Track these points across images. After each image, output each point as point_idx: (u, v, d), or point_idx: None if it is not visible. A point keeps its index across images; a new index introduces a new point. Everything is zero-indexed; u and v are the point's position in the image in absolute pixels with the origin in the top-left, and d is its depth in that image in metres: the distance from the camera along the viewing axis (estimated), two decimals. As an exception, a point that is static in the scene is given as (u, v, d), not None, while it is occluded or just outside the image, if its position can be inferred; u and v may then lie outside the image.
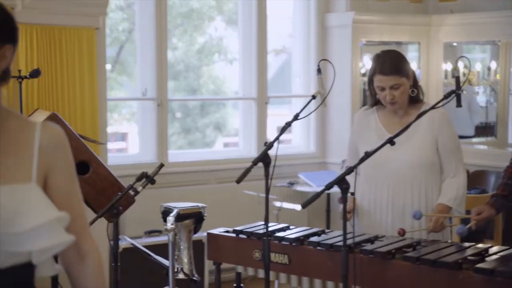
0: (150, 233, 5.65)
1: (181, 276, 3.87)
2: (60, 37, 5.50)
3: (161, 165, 3.74)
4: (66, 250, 1.89)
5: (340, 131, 6.86)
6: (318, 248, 3.32)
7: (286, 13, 7.42)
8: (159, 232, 5.59)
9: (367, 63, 6.83)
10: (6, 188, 1.76)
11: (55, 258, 1.91)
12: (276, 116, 7.33)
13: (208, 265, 5.39)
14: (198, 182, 6.39)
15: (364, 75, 6.83)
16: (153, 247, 4.59)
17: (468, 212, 3.65)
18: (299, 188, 6.53)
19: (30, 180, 1.82)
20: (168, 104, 6.36)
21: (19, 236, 1.74)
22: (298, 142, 7.23)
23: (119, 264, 3.52)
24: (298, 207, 5.05)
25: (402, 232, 3.45)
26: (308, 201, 2.83)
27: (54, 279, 4.33)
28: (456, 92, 3.10)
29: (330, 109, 6.96)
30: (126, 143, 8.06)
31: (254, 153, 6.69)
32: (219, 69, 7.81)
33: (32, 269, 1.84)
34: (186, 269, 3.87)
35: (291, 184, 6.57)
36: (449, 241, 3.60)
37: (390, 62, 3.65)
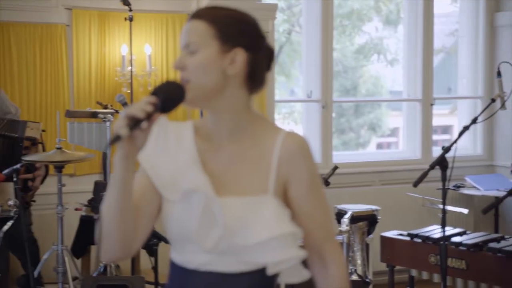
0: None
1: (354, 277, 3.91)
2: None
3: (335, 168, 3.80)
4: (311, 257, 1.87)
5: (510, 133, 6.65)
6: (499, 254, 3.26)
7: (444, 11, 7.27)
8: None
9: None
10: (239, 200, 1.77)
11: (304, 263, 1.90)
12: (435, 116, 7.19)
13: (372, 266, 5.40)
14: (362, 184, 6.39)
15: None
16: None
17: None
18: (466, 191, 6.38)
19: (266, 192, 1.78)
20: (332, 106, 6.40)
21: (250, 248, 1.75)
22: (464, 144, 7.06)
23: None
24: (465, 210, 4.96)
25: None
26: (489, 206, 2.79)
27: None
28: None
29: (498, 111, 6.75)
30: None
31: (418, 155, 6.62)
32: (376, 69, 7.78)
33: (271, 276, 1.83)
34: (359, 270, 3.91)
35: (457, 187, 6.43)
36: None
37: None
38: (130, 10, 5.08)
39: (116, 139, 1.63)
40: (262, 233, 1.74)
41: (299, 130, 7.01)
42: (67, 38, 5.28)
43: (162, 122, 1.79)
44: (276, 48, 7.45)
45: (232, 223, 1.74)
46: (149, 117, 1.66)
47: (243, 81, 1.81)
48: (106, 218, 1.76)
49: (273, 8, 5.91)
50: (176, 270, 1.85)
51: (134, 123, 1.64)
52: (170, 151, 1.82)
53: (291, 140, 1.81)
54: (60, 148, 4.23)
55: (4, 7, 5.09)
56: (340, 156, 6.53)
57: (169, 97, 1.71)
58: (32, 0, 5.19)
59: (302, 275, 1.87)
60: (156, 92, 1.71)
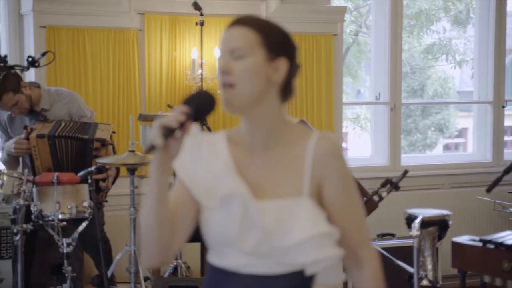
0: (383, 236, 5.69)
1: (425, 282, 3.89)
2: (300, 44, 5.69)
3: (406, 172, 3.78)
4: (346, 258, 1.92)
5: None
6: None
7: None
8: (391, 236, 5.61)
9: None
10: (276, 202, 1.82)
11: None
12: (505, 117, 7.06)
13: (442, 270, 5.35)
14: (431, 187, 6.34)
15: None
16: (387, 251, 4.63)
17: None
18: (538, 195, 6.26)
19: (301, 194, 1.84)
20: (401, 108, 6.36)
21: (288, 249, 1.80)
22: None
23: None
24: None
25: None
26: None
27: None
28: None
29: None
30: (346, 144, 8.17)
31: (488, 157, 6.52)
32: (444, 70, 7.69)
33: (309, 277, 1.88)
34: (430, 276, 3.89)
35: (530, 191, 6.31)
36: None
37: None
38: (201, 14, 5.15)
39: (151, 148, 1.71)
40: (299, 234, 1.79)
41: (365, 133, 6.98)
42: (139, 42, 5.39)
43: (195, 133, 1.86)
44: (343, 50, 7.45)
45: (270, 226, 1.80)
46: (182, 126, 1.74)
47: (279, 90, 1.88)
48: (144, 225, 1.83)
49: (342, 10, 5.91)
50: (215, 273, 1.91)
51: (168, 132, 1.72)
52: (205, 161, 1.88)
53: (323, 142, 1.87)
54: (132, 151, 4.32)
55: (79, 12, 5.23)
56: (408, 159, 6.49)
57: (200, 106, 1.79)
58: (106, 5, 5.32)
59: (339, 277, 1.93)
60: (188, 101, 1.79)
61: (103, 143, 4.46)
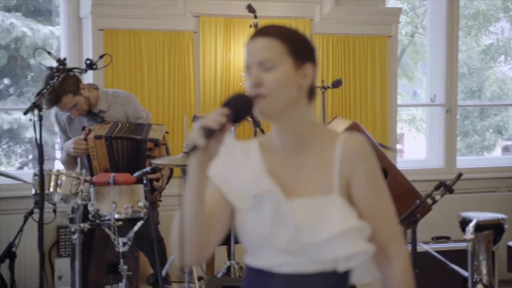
0: (438, 239, 5.64)
1: (479, 287, 3.85)
2: (354, 46, 5.71)
3: (460, 175, 3.76)
4: (376, 256, 1.94)
5: None
6: None
7: None
8: (447, 239, 5.56)
9: None
10: (307, 201, 1.87)
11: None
12: None
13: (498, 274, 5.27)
14: (487, 190, 6.26)
15: None
16: (441, 254, 4.59)
17: None
18: None
19: (331, 192, 1.88)
20: (457, 110, 6.30)
21: (319, 245, 1.85)
22: None
23: (416, 270, 3.58)
24: None
25: None
26: None
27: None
28: None
29: None
30: (402, 145, 8.12)
31: (551, 160, 6.42)
32: (502, 71, 7.58)
33: (343, 275, 1.91)
34: (485, 280, 3.85)
35: None
36: None
37: None
38: (255, 17, 5.19)
39: (194, 149, 1.76)
40: (330, 229, 1.84)
41: (421, 135, 6.93)
42: (194, 44, 5.46)
43: (229, 141, 1.90)
44: (399, 51, 7.41)
45: (302, 223, 1.85)
46: (222, 127, 1.79)
47: (307, 93, 1.94)
48: (181, 225, 1.85)
49: (397, 12, 5.89)
50: (252, 273, 1.96)
51: (209, 133, 1.76)
52: (239, 167, 1.94)
53: (350, 141, 1.92)
54: (186, 152, 4.37)
55: (136, 15, 5.33)
56: (464, 161, 6.43)
57: (240, 108, 1.83)
58: (162, 8, 5.41)
59: (373, 275, 1.96)
60: (228, 103, 1.83)
61: (156, 143, 4.52)
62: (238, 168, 1.94)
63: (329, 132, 1.98)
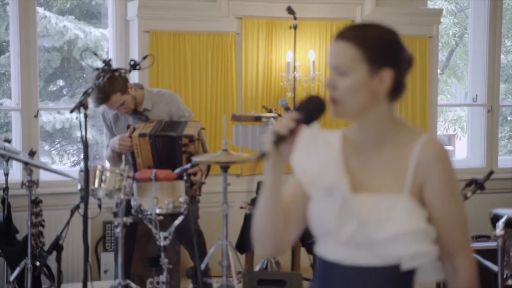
0: (477, 238, 5.64)
1: (510, 282, 3.88)
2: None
3: (491, 172, 3.79)
4: (443, 261, 1.96)
5: None
6: None
7: None
8: (487, 238, 5.56)
9: None
10: (374, 197, 1.90)
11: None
12: None
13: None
14: (530, 190, 6.23)
15: None
16: (481, 252, 4.61)
17: None
18: None
19: (402, 191, 1.89)
20: (499, 109, 6.28)
21: (382, 241, 1.87)
22: None
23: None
24: None
25: None
26: None
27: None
28: None
29: None
30: (453, 146, 8.08)
31: None
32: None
33: (407, 273, 1.93)
34: (515, 276, 3.87)
35: None
36: None
37: None
38: (295, 18, 5.30)
39: (262, 155, 1.88)
40: (395, 227, 1.85)
41: (464, 135, 6.93)
42: (237, 45, 5.58)
43: (313, 128, 1.95)
44: (445, 52, 7.42)
45: (367, 218, 1.88)
46: (292, 132, 1.88)
47: (388, 95, 1.92)
48: (259, 219, 1.98)
49: (438, 13, 5.92)
50: (320, 262, 2.03)
51: (278, 139, 1.87)
52: (316, 154, 1.99)
53: (430, 145, 1.90)
54: (226, 150, 4.49)
55: (180, 18, 5.48)
56: (506, 161, 6.40)
57: (311, 112, 1.91)
58: (206, 11, 5.55)
59: (438, 275, 1.97)
60: (300, 107, 1.92)
61: (191, 139, 4.62)
62: (315, 155, 1.99)
63: (410, 130, 1.97)
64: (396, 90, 1.93)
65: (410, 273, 1.94)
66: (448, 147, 7.96)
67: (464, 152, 6.58)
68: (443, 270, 1.99)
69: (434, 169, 1.89)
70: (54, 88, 6.35)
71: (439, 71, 7.02)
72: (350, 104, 1.90)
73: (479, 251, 4.72)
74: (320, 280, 2.02)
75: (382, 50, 1.89)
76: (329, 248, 1.98)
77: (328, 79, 1.93)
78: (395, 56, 1.91)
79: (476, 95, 6.26)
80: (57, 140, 6.78)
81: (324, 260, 2.00)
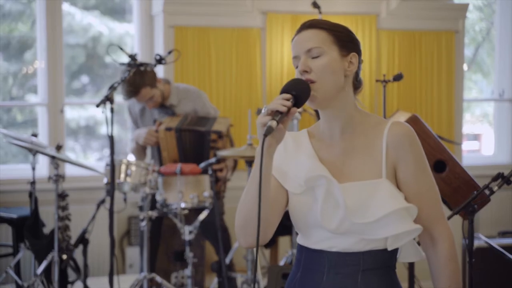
0: (504, 234, 5.60)
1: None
2: (420, 41, 5.73)
3: (518, 167, 3.75)
4: (422, 237, 2.06)
5: None
6: None
7: None
8: (513, 234, 5.52)
9: None
10: (357, 184, 1.99)
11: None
12: None
13: None
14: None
15: None
16: (508, 249, 4.56)
17: None
18: None
19: (380, 176, 2.00)
20: (526, 105, 6.24)
21: (371, 225, 1.96)
22: None
23: (473, 260, 3.59)
24: None
25: None
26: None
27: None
28: None
29: None
30: (480, 143, 8.01)
31: None
32: None
33: (391, 253, 2.04)
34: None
35: None
36: None
37: None
38: (320, 13, 5.28)
39: (269, 130, 1.84)
40: (379, 211, 1.96)
41: (491, 132, 6.87)
42: (261, 40, 5.58)
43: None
44: (472, 47, 7.36)
45: (352, 205, 1.97)
46: (288, 111, 1.89)
47: (351, 82, 2.06)
48: (248, 206, 1.99)
49: (464, 8, 5.87)
50: (303, 251, 2.09)
51: (279, 116, 1.87)
52: (291, 156, 2.07)
53: (396, 127, 2.02)
54: (250, 144, 4.48)
55: (205, 13, 5.50)
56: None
57: (300, 93, 1.94)
58: (230, 6, 5.56)
59: (419, 254, 2.09)
60: (288, 89, 1.93)
61: (220, 135, 4.64)
62: (290, 157, 2.07)
63: (376, 118, 2.08)
64: (358, 80, 2.07)
65: (394, 254, 2.05)
66: (475, 145, 7.91)
67: (491, 149, 6.52)
68: (423, 246, 2.09)
69: (403, 149, 2.01)
70: (79, 85, 6.38)
71: (465, 66, 6.96)
72: (326, 83, 1.99)
73: (505, 247, 4.69)
74: (306, 269, 2.07)
75: (349, 38, 2.06)
76: (314, 238, 2.04)
77: (301, 65, 2.00)
78: (358, 47, 2.08)
79: (503, 90, 6.21)
80: (81, 136, 6.82)
81: (308, 249, 2.06)
